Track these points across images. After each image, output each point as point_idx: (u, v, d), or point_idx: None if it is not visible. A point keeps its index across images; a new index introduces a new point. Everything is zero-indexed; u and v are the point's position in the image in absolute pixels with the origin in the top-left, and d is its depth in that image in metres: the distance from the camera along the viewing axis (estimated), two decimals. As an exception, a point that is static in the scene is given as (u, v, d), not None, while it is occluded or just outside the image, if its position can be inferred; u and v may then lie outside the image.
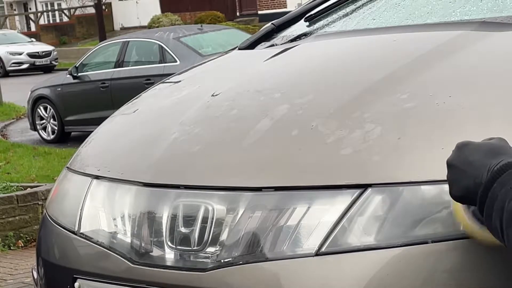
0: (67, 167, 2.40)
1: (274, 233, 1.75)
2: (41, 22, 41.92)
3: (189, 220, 1.87)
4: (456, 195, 1.51)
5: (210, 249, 1.82)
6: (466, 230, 1.59)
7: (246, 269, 1.76)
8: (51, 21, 42.70)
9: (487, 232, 1.48)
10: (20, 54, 28.78)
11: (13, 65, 28.77)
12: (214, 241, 1.82)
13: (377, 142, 1.77)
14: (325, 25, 2.76)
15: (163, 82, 2.75)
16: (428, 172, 1.68)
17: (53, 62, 28.98)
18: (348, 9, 2.79)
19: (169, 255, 1.89)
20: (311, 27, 2.77)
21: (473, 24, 2.22)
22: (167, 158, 2.03)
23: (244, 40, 2.88)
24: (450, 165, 1.52)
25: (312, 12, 2.83)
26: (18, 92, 18.16)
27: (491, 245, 1.55)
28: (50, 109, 13.03)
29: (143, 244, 1.94)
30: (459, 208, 1.58)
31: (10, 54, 28.81)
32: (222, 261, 1.79)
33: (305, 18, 2.83)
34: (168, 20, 30.92)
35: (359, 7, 2.76)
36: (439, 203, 1.65)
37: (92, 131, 2.62)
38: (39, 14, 42.81)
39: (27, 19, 44.68)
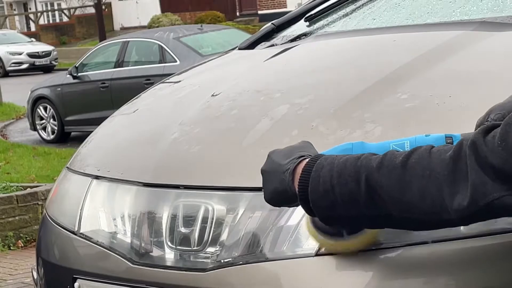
0: (67, 167, 2.40)
1: (274, 233, 1.75)
2: (41, 22, 41.92)
3: (189, 220, 1.87)
4: (267, 198, 1.57)
5: (210, 249, 1.82)
6: (316, 241, 1.64)
7: (246, 269, 1.76)
8: (51, 21, 42.70)
9: (331, 239, 1.60)
10: (20, 54, 28.77)
11: (13, 65, 28.76)
12: (214, 241, 1.82)
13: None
14: (325, 25, 2.76)
15: (163, 82, 2.75)
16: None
17: (53, 62, 28.96)
18: (348, 9, 2.79)
19: (169, 255, 1.89)
20: (311, 27, 2.77)
21: (473, 24, 2.22)
22: (167, 158, 2.03)
23: (244, 40, 2.88)
24: (261, 172, 1.58)
25: (312, 12, 2.83)
26: (18, 92, 18.16)
27: (341, 251, 1.62)
28: (50, 109, 13.03)
29: (143, 244, 1.94)
30: (307, 222, 1.64)
31: (10, 54, 28.80)
32: (222, 261, 1.79)
33: (305, 18, 2.83)
34: (168, 20, 30.92)
35: (359, 7, 2.76)
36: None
37: (92, 131, 2.62)
38: (39, 14, 42.81)
39: (27, 19, 44.68)
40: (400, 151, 1.42)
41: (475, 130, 1.45)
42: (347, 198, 1.42)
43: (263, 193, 1.57)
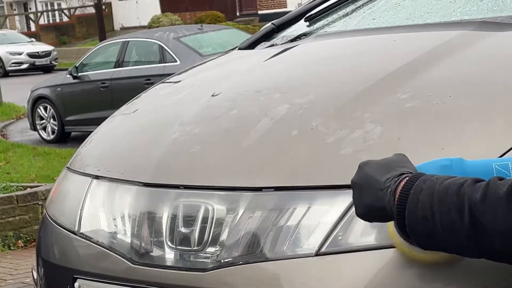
0: (67, 167, 2.40)
1: (274, 233, 1.75)
2: (41, 22, 41.91)
3: (189, 220, 1.87)
4: (360, 213, 1.51)
5: (210, 249, 1.82)
6: (397, 248, 1.60)
7: (246, 269, 1.76)
8: (51, 21, 42.69)
9: (412, 248, 1.53)
10: (20, 54, 28.77)
11: (13, 65, 28.76)
12: (214, 241, 1.82)
13: (377, 142, 1.77)
14: (325, 25, 2.76)
15: (163, 82, 2.75)
16: (428, 172, 1.67)
17: (53, 62, 28.97)
18: (348, 9, 2.79)
19: (169, 255, 1.89)
20: (311, 27, 2.77)
21: (473, 24, 2.22)
22: (167, 158, 2.03)
23: (244, 40, 2.88)
24: (352, 184, 1.51)
25: (312, 12, 2.83)
26: (18, 92, 18.16)
27: (419, 261, 1.57)
28: (50, 109, 13.03)
29: (143, 244, 1.94)
30: (390, 226, 1.59)
31: (10, 54, 28.80)
32: (222, 261, 1.79)
33: (305, 18, 2.83)
34: (168, 20, 30.92)
35: (359, 7, 2.76)
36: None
37: (92, 131, 2.62)
38: (39, 14, 42.81)
39: (27, 19, 44.67)
40: (503, 180, 1.34)
41: None
42: (448, 228, 1.36)
43: (354, 206, 1.51)
